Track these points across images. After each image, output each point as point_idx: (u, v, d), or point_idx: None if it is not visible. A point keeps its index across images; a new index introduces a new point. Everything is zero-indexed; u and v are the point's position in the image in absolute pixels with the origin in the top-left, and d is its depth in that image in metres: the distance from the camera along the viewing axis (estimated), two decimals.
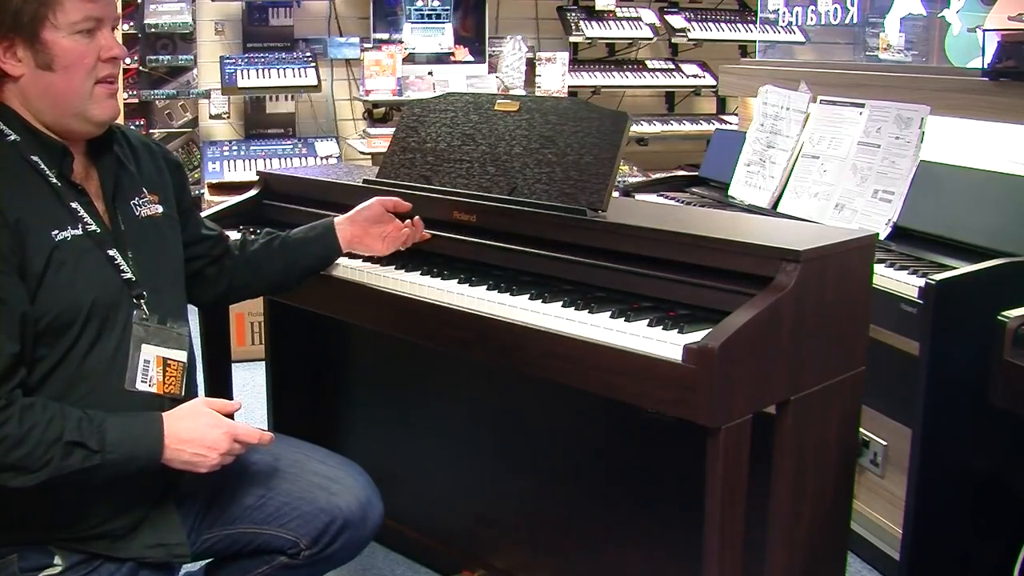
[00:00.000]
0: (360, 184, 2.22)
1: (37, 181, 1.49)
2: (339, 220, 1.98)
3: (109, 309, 1.52)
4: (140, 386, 1.56)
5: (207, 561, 1.74)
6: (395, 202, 2.00)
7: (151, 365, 1.57)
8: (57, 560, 1.51)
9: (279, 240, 1.95)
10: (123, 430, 1.48)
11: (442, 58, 5.07)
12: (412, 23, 4.97)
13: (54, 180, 1.50)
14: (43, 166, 1.49)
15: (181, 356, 1.62)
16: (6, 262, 1.42)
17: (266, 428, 1.75)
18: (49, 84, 1.49)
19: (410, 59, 4.97)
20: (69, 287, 1.47)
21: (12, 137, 1.49)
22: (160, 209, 1.68)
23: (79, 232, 1.50)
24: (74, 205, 1.51)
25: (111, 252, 1.54)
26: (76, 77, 1.50)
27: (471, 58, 5.11)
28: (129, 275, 1.55)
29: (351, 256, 2.08)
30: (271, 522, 1.63)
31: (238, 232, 2.36)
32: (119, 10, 1.58)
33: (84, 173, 1.58)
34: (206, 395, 2.36)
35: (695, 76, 5.46)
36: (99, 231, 1.53)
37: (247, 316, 3.95)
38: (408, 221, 2.00)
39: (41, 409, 1.43)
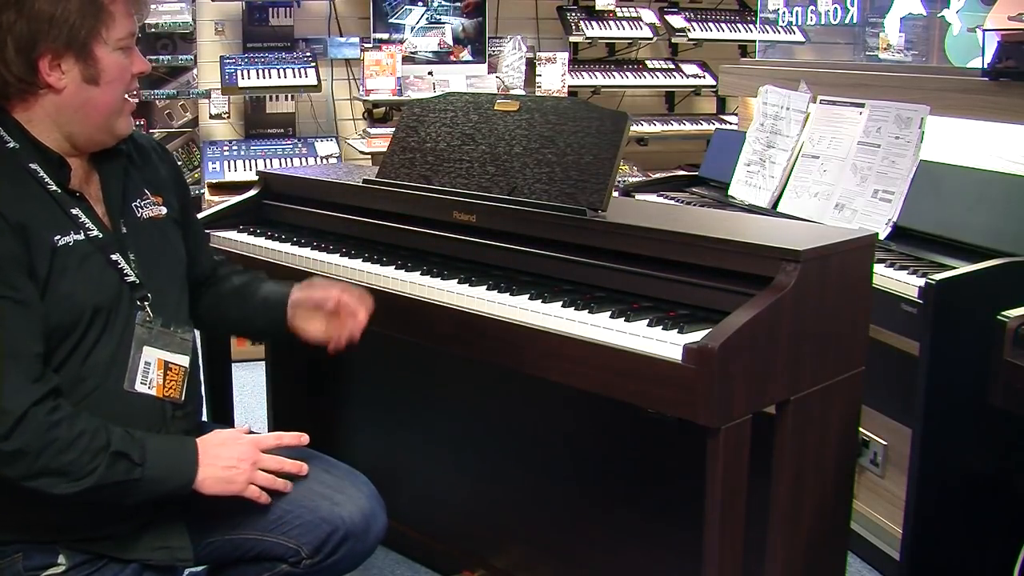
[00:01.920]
0: (360, 184, 2.22)
1: (36, 188, 1.50)
2: (293, 296, 1.82)
3: (111, 312, 1.53)
4: (139, 387, 1.56)
5: (207, 567, 1.74)
6: (354, 310, 1.79)
7: (152, 367, 1.57)
8: (61, 559, 1.51)
9: (245, 289, 1.86)
10: (162, 447, 1.52)
11: (442, 58, 5.07)
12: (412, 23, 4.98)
13: (53, 188, 1.51)
14: (42, 174, 1.50)
15: (183, 361, 1.62)
16: (19, 264, 1.43)
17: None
18: (90, 98, 1.52)
19: (410, 59, 4.97)
20: (72, 292, 1.48)
21: (12, 144, 1.50)
22: (164, 211, 1.69)
23: (81, 237, 1.51)
24: (75, 211, 1.52)
25: (113, 256, 1.55)
26: (115, 91, 1.54)
27: (471, 58, 5.12)
28: (133, 278, 1.56)
29: (350, 256, 2.08)
30: (273, 529, 1.62)
31: (238, 232, 2.37)
32: None
33: (84, 178, 1.59)
34: (206, 395, 2.38)
35: (695, 76, 5.45)
36: (101, 236, 1.54)
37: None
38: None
39: (87, 417, 1.45)
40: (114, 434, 1.47)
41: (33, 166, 1.50)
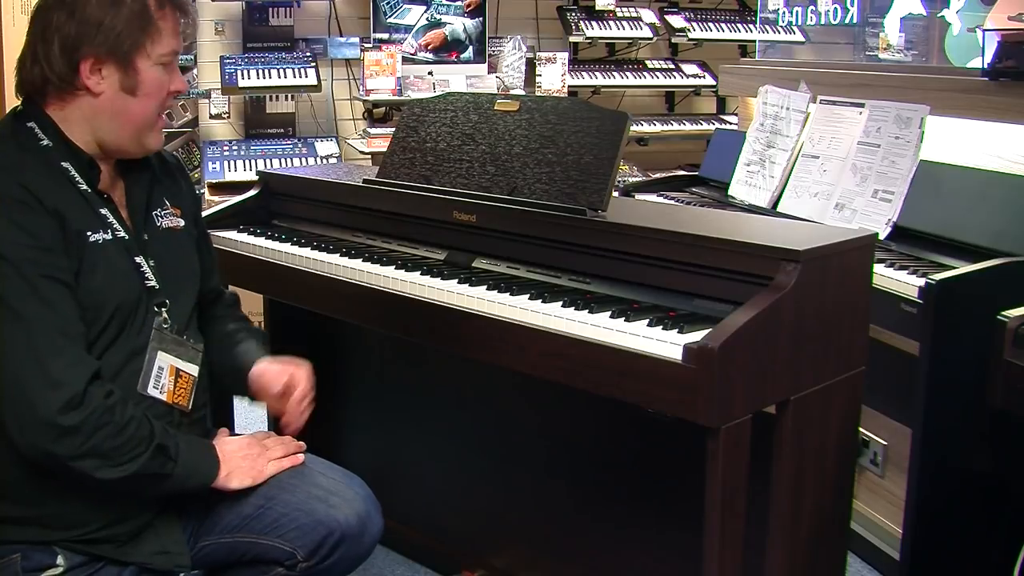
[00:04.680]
0: (360, 184, 2.22)
1: (68, 186, 1.52)
2: (254, 368, 1.77)
3: (130, 314, 1.55)
4: (152, 391, 1.57)
5: (201, 572, 1.74)
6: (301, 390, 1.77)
7: (164, 373, 1.59)
8: (60, 560, 1.51)
9: (228, 339, 1.82)
10: (189, 446, 1.56)
11: (442, 58, 5.08)
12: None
13: (84, 187, 1.53)
14: (73, 172, 1.52)
15: (193, 370, 1.64)
16: (61, 247, 1.46)
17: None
18: (125, 107, 1.54)
19: (410, 59, 4.97)
20: (99, 288, 1.50)
21: (45, 143, 1.52)
22: (181, 223, 1.71)
23: (109, 237, 1.53)
24: (103, 211, 1.55)
25: (137, 259, 1.57)
26: (150, 105, 1.56)
27: (471, 58, 5.12)
28: (153, 283, 1.58)
29: (349, 255, 2.08)
30: (269, 532, 1.63)
31: (238, 232, 2.37)
32: None
33: (110, 183, 1.61)
34: None
35: (695, 76, 5.45)
36: (127, 237, 1.56)
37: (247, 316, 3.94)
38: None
39: (133, 404, 1.49)
40: (156, 426, 1.50)
41: (65, 165, 1.52)
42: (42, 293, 1.43)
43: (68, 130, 1.54)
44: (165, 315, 1.60)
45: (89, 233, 1.51)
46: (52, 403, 1.40)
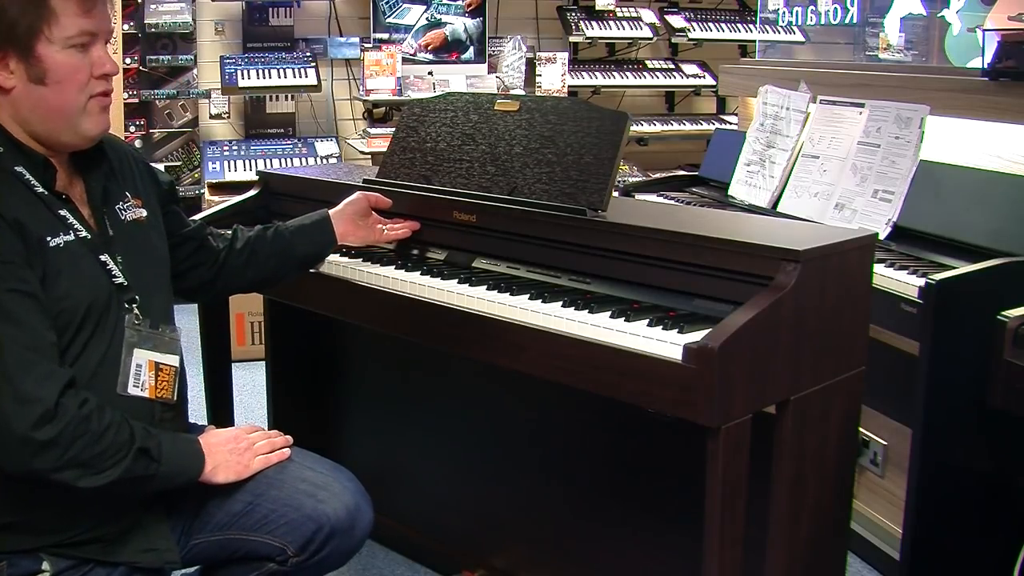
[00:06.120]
0: (360, 184, 2.22)
1: (23, 191, 1.48)
2: (332, 212, 2.02)
3: (102, 314, 1.52)
4: (132, 390, 1.56)
5: (198, 568, 1.74)
6: (377, 198, 2.07)
7: (143, 369, 1.57)
8: (46, 566, 1.50)
9: (274, 229, 1.96)
10: (172, 444, 1.55)
11: (442, 58, 5.08)
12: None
13: (40, 190, 1.49)
14: (28, 176, 1.48)
15: (173, 361, 1.62)
16: (22, 257, 1.43)
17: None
18: (40, 98, 1.47)
19: (410, 59, 4.98)
20: (65, 293, 1.47)
21: None
22: (144, 213, 1.68)
23: (71, 238, 1.50)
24: (63, 213, 1.51)
25: (103, 257, 1.54)
26: (68, 92, 1.48)
27: (471, 58, 5.12)
28: (121, 279, 1.55)
29: (350, 256, 2.08)
30: (259, 529, 1.62)
31: None
32: (115, 20, 1.57)
33: (68, 181, 1.57)
34: (206, 395, 2.38)
35: (695, 76, 5.46)
36: (89, 237, 1.53)
37: (247, 316, 3.95)
38: (394, 219, 2.08)
39: (110, 411, 1.47)
40: (136, 429, 1.49)
41: (19, 169, 1.48)
42: (7, 308, 1.40)
43: (10, 131, 1.49)
44: (136, 311, 1.57)
45: (49, 238, 1.46)
46: (25, 419, 1.38)
